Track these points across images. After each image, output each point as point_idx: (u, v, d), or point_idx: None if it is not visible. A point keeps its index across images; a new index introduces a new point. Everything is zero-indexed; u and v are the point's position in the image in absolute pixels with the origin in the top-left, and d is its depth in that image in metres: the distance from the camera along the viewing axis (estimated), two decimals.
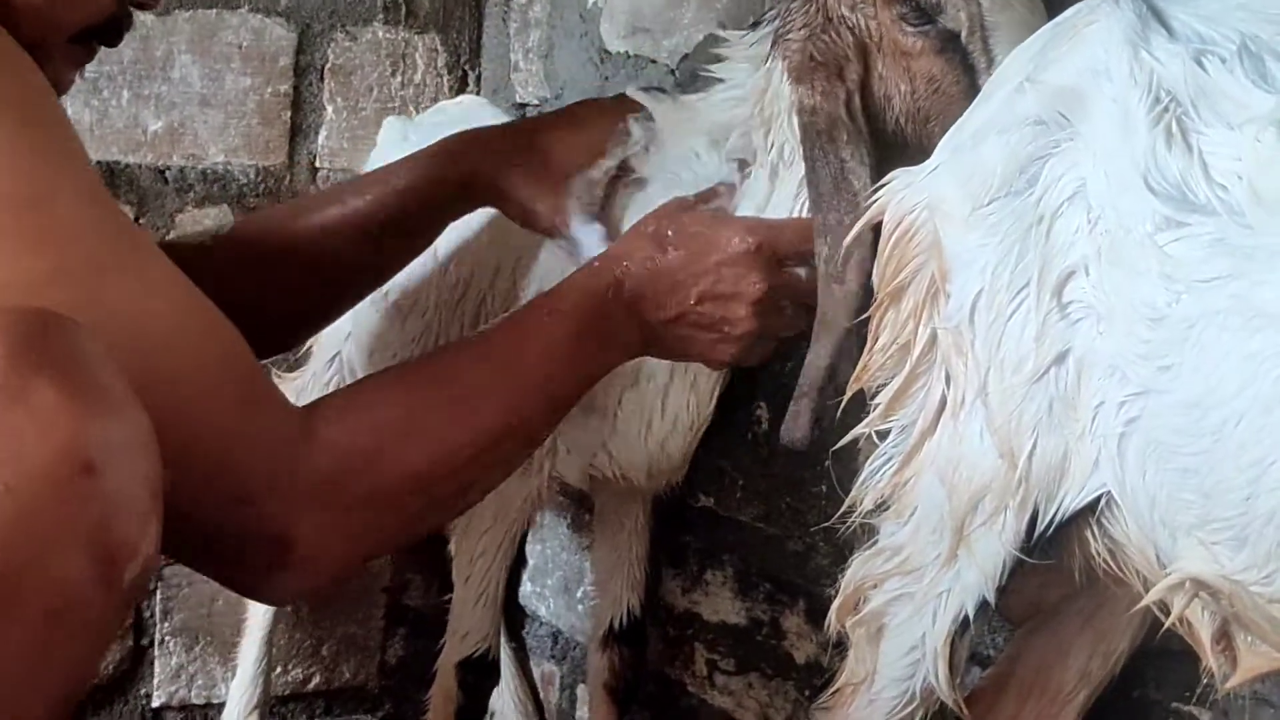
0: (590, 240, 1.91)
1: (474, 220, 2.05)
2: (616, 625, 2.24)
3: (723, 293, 1.72)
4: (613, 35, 2.46)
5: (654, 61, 2.38)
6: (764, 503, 2.24)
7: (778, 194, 1.81)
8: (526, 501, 2.03)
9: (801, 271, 1.75)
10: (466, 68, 2.70)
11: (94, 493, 1.15)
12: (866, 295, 1.61)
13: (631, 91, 1.99)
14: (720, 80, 1.91)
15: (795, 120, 1.76)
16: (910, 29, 1.68)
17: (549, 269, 1.98)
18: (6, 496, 1.11)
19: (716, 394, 1.97)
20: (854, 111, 1.73)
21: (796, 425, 1.72)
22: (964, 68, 1.64)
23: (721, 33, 1.99)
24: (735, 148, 1.87)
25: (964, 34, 1.65)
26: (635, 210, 1.91)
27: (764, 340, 1.77)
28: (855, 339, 1.64)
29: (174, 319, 1.34)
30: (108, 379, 1.19)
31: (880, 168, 1.61)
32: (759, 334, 1.75)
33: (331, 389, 2.27)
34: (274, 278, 1.94)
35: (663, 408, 1.96)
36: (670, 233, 1.74)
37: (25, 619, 1.13)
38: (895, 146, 1.71)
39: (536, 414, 1.65)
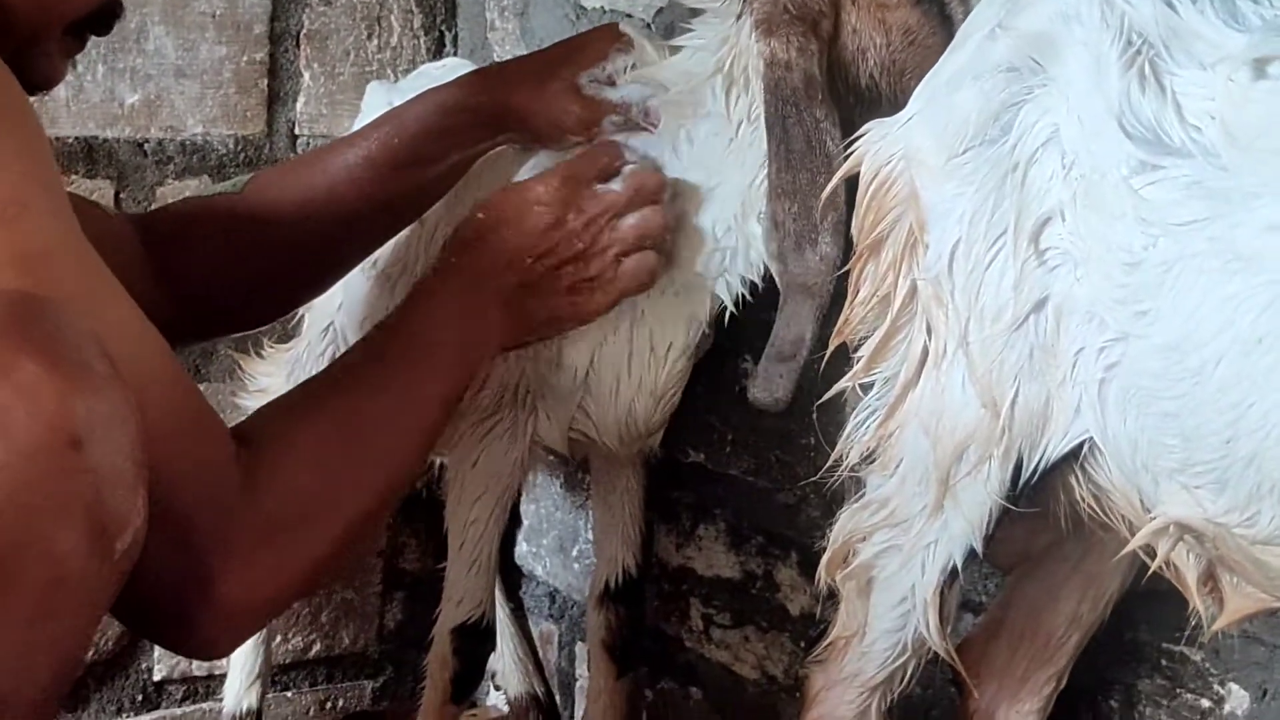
0: (635, 94, 1.91)
1: (458, 185, 2.04)
2: (613, 584, 2.24)
3: (551, 238, 1.76)
4: None
5: (629, 16, 2.36)
6: (753, 456, 2.24)
7: (747, 154, 1.80)
8: (515, 467, 2.03)
9: (615, 186, 1.79)
10: (443, 28, 2.68)
11: (83, 466, 1.17)
12: (842, 258, 1.61)
13: (624, 26, 1.98)
14: (693, 30, 1.90)
15: (765, 75, 1.74)
16: None
17: None
18: None
19: (679, 362, 1.96)
20: (823, 68, 1.71)
21: (774, 386, 1.72)
22: (940, 19, 1.63)
23: None
24: (678, 100, 1.86)
25: None
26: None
27: (629, 275, 1.80)
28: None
29: (130, 351, 1.31)
30: (91, 357, 1.20)
31: (854, 123, 1.60)
32: (610, 262, 1.78)
33: (327, 359, 2.27)
34: (297, 226, 1.94)
35: (629, 370, 1.96)
36: (484, 214, 1.79)
37: (22, 593, 1.15)
38: (868, 101, 1.70)
39: (435, 429, 1.68)
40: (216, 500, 1.39)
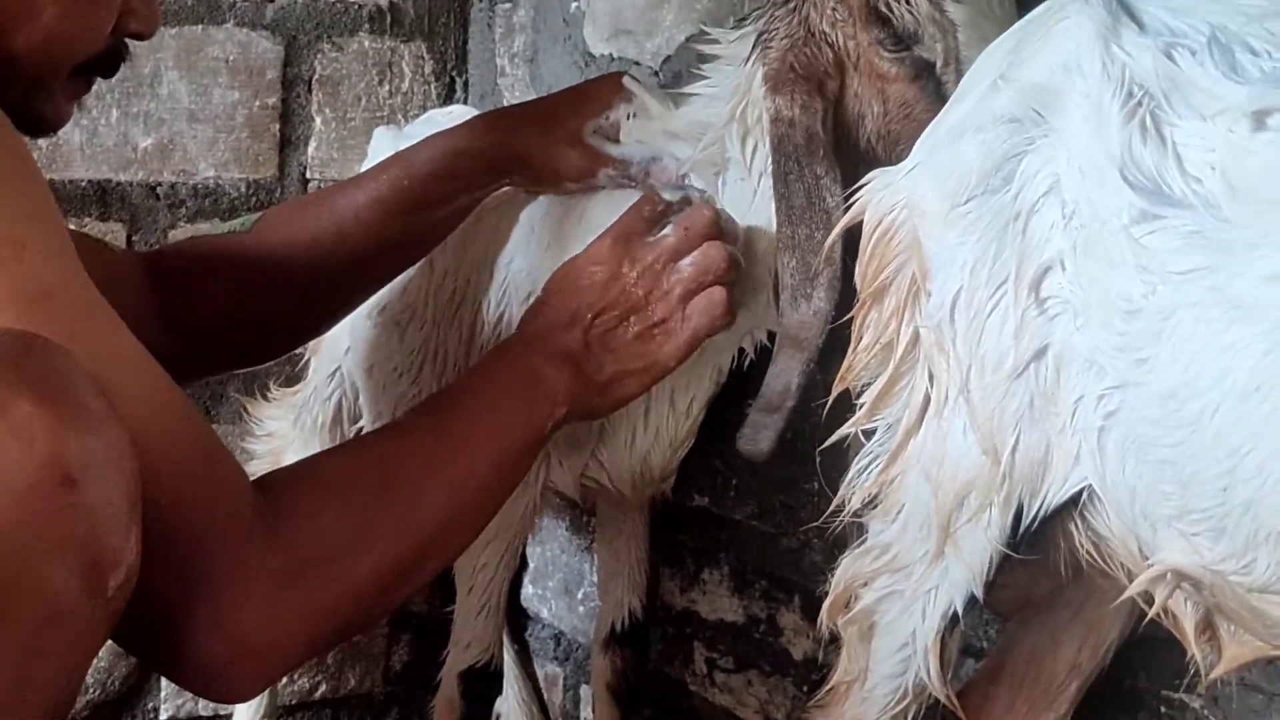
0: (636, 153, 1.93)
1: (466, 228, 2.06)
2: (619, 627, 2.25)
3: (610, 292, 1.75)
4: (596, 38, 2.47)
5: (637, 63, 2.39)
6: (757, 501, 2.25)
7: (759, 201, 1.82)
8: (526, 511, 2.03)
9: (666, 231, 1.77)
10: (453, 74, 2.71)
11: (76, 504, 1.17)
12: (834, 313, 1.64)
13: (627, 81, 2.00)
14: (704, 77, 1.92)
15: (770, 129, 1.76)
16: (887, 54, 1.69)
17: (540, 267, 1.98)
18: None
19: (698, 413, 1.97)
20: (828, 127, 1.74)
21: (759, 438, 1.75)
22: (937, 96, 1.65)
23: (708, 29, 1.99)
24: (706, 153, 1.87)
25: (939, 64, 1.67)
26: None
27: (699, 312, 1.76)
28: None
29: (134, 390, 1.32)
30: (86, 395, 1.21)
31: (856, 181, 1.61)
32: (676, 304, 1.75)
33: (334, 404, 2.28)
34: (305, 265, 1.94)
35: (645, 421, 1.97)
36: (543, 290, 1.79)
37: (14, 630, 1.15)
38: (869, 163, 1.71)
39: (486, 489, 1.63)
40: (231, 536, 1.37)
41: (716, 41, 1.91)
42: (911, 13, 1.67)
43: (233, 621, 1.37)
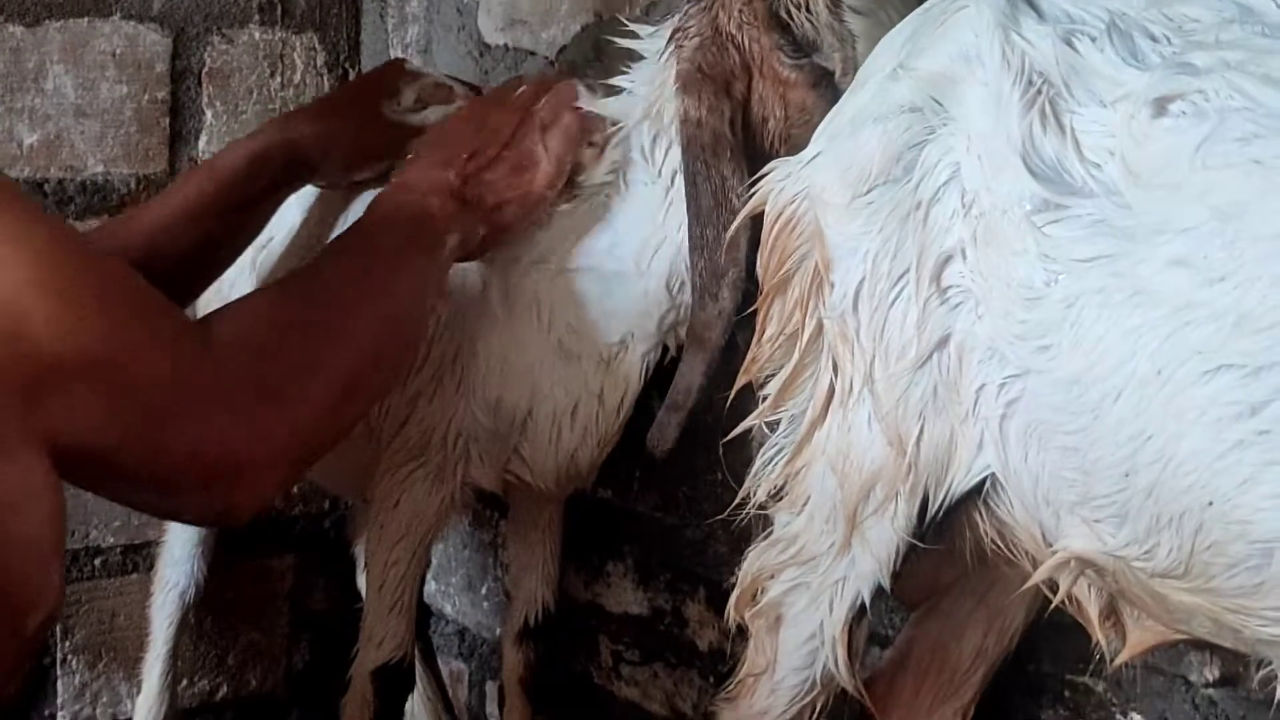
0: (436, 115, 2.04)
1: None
2: (532, 621, 2.25)
3: (479, 138, 1.86)
4: (490, 28, 2.46)
5: (533, 54, 2.38)
6: (660, 492, 2.25)
7: (674, 204, 1.81)
8: (441, 508, 2.01)
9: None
10: (347, 66, 2.67)
11: None
12: (736, 311, 1.66)
13: (409, 64, 2.13)
14: (621, 71, 1.91)
15: (679, 129, 1.77)
16: (787, 60, 1.70)
17: None
18: None
19: (628, 410, 1.97)
20: (737, 128, 1.74)
21: (664, 436, 1.77)
22: (835, 103, 1.65)
23: (623, 20, 1.98)
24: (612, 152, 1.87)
25: (838, 73, 1.67)
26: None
27: (558, 138, 1.87)
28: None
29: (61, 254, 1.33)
30: (8, 429, 1.18)
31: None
32: (538, 136, 1.87)
33: None
34: None
35: (572, 419, 1.96)
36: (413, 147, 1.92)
37: None
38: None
39: (402, 323, 1.71)
40: (175, 359, 1.40)
41: (635, 35, 1.90)
42: (811, 21, 1.67)
43: (209, 441, 1.41)
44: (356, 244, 1.74)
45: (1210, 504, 1.20)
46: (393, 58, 2.23)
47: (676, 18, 1.80)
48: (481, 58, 2.47)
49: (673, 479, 2.21)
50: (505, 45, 2.43)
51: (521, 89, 1.93)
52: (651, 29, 1.87)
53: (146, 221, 1.97)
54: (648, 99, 1.84)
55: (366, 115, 2.03)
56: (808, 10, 1.67)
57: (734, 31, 1.73)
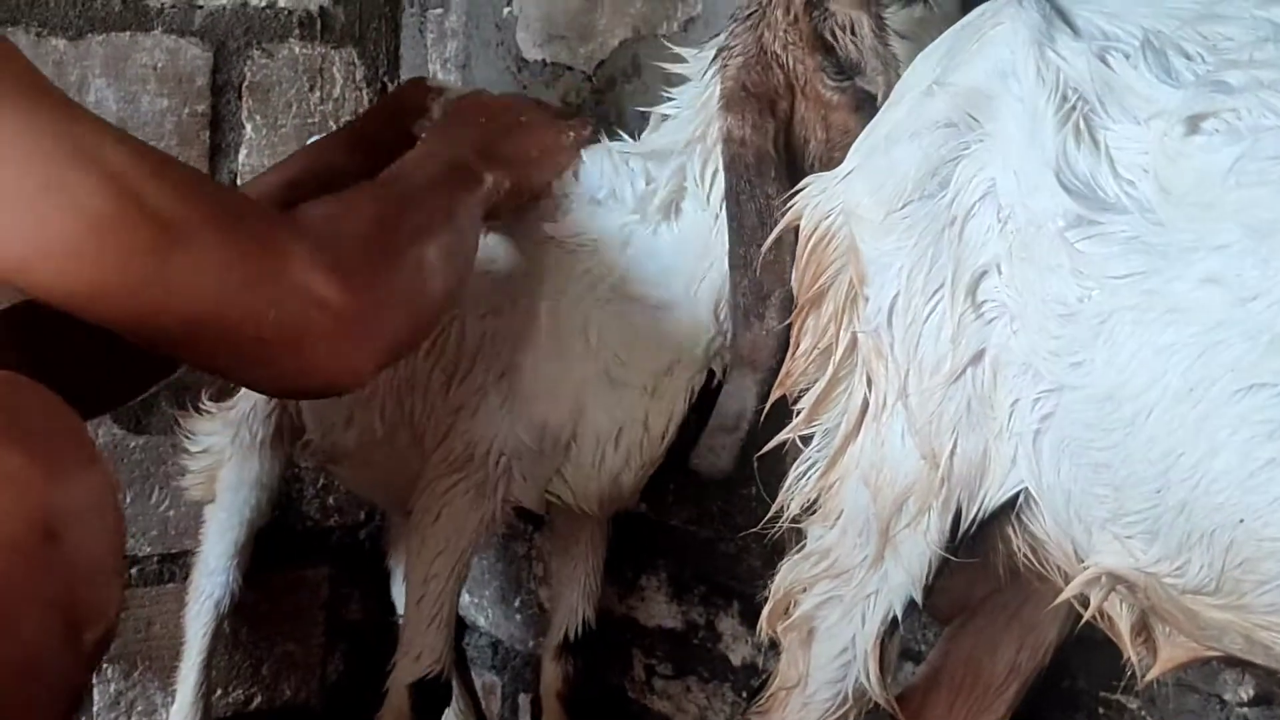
0: None
1: None
2: (572, 635, 2.25)
3: (498, 101, 1.98)
4: (529, 43, 2.47)
5: (570, 69, 2.39)
6: (695, 506, 2.25)
7: (720, 231, 1.81)
8: (481, 524, 2.02)
9: None
10: (385, 80, 2.69)
11: (57, 559, 1.16)
12: (786, 333, 1.64)
13: (430, 81, 2.24)
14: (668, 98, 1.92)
15: (722, 148, 1.78)
16: (830, 82, 1.71)
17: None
18: None
19: (671, 434, 1.97)
20: (780, 147, 1.75)
21: (719, 457, 1.77)
22: None
23: (672, 46, 1.98)
24: (665, 190, 1.89)
25: (880, 97, 1.66)
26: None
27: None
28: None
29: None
30: (71, 443, 1.20)
31: None
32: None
33: (274, 421, 2.30)
34: None
35: (616, 443, 1.97)
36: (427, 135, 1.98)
37: None
38: None
39: (460, 242, 1.73)
40: (261, 232, 1.43)
41: (682, 60, 1.90)
42: (856, 44, 1.68)
43: (314, 296, 1.42)
44: (408, 173, 1.78)
45: (1242, 521, 1.20)
46: (418, 76, 2.27)
47: (722, 36, 1.81)
48: (520, 73, 2.48)
49: (707, 493, 2.21)
50: (543, 60, 2.44)
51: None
52: (696, 51, 1.88)
53: (267, 190, 1.99)
54: (693, 121, 1.84)
55: (399, 136, 2.03)
56: (852, 32, 1.68)
57: (779, 51, 1.73)
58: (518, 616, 2.59)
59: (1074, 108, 1.33)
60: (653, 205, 1.89)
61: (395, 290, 1.54)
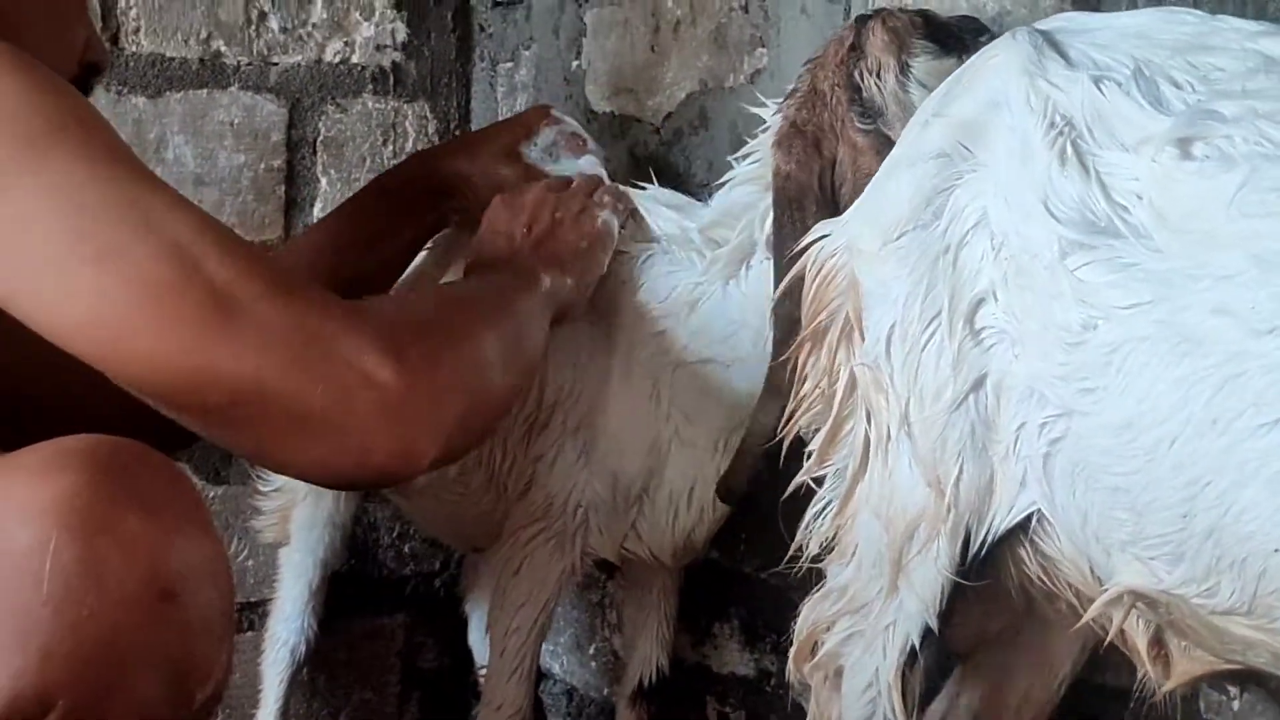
0: (569, 169, 2.09)
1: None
2: (646, 682, 2.26)
3: (530, 209, 1.91)
4: (597, 96, 2.49)
5: (639, 120, 2.41)
6: (766, 555, 2.24)
7: None
8: (561, 576, 2.05)
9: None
10: (457, 133, 2.73)
11: (172, 619, 1.18)
12: None
13: (554, 110, 2.16)
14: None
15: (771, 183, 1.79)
16: (860, 125, 1.71)
17: None
18: (90, 621, 1.14)
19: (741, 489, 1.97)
20: (825, 184, 1.75)
21: (735, 481, 1.80)
22: None
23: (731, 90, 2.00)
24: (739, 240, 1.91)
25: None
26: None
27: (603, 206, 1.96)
28: None
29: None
30: (188, 509, 1.22)
31: None
32: (584, 199, 1.95)
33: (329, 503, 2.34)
34: None
35: (689, 501, 1.99)
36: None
37: None
38: None
39: (523, 344, 1.70)
40: (337, 303, 1.42)
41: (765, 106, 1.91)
42: (879, 88, 1.68)
43: (373, 382, 1.39)
44: (470, 278, 1.81)
45: (1276, 551, 1.19)
46: (542, 104, 2.27)
47: (797, 78, 1.82)
48: (589, 124, 2.49)
49: (779, 540, 2.19)
50: (612, 113, 2.46)
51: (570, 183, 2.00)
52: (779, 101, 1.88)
53: (289, 261, 2.03)
54: (766, 175, 1.85)
55: (504, 152, 2.08)
56: (878, 76, 1.68)
57: (825, 91, 1.74)
58: (592, 664, 2.59)
59: (1060, 133, 1.33)
60: (719, 265, 1.91)
61: (452, 377, 1.52)
